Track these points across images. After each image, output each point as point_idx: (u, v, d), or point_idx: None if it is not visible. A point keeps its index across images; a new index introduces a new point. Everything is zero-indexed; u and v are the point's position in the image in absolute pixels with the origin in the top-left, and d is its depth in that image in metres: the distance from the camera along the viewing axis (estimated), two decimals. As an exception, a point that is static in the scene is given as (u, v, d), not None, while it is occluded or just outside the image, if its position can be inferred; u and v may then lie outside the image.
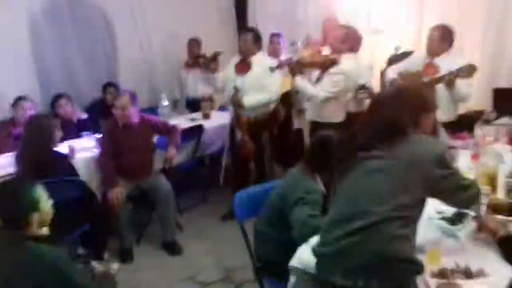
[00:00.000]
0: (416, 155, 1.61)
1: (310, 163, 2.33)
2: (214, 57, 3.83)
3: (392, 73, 3.58)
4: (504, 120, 3.12)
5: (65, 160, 3.21)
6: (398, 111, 1.70)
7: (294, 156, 4.66)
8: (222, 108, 5.20)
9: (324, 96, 3.48)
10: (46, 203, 1.87)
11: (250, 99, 3.66)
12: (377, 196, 1.59)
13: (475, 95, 3.57)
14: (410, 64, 3.58)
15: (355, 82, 3.70)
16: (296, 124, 5.00)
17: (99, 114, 4.49)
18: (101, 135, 3.60)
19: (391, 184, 1.60)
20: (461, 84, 3.16)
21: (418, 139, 1.68)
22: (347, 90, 3.62)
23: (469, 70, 3.03)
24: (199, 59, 4.07)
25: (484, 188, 2.10)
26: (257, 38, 3.75)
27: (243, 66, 3.75)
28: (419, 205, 1.63)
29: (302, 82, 3.57)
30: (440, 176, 1.61)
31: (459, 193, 1.69)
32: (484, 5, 4.18)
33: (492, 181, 2.19)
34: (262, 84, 3.66)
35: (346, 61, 3.51)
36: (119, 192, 3.32)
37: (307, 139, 4.71)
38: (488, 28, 4.20)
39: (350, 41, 3.60)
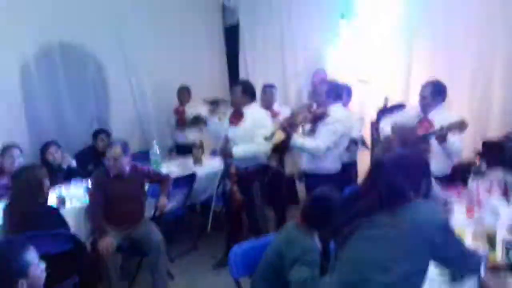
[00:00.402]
0: (418, 222, 1.62)
1: (308, 220, 2.31)
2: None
3: (386, 127, 3.62)
4: (497, 172, 3.14)
5: (54, 212, 3.13)
6: (400, 178, 1.71)
7: (286, 202, 4.73)
8: (213, 153, 5.21)
9: (326, 146, 3.49)
10: (37, 269, 1.78)
11: (238, 150, 3.67)
12: (379, 264, 1.58)
13: (465, 147, 3.61)
14: (404, 118, 3.63)
15: (350, 128, 3.74)
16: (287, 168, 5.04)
17: (89, 161, 4.47)
18: (91, 184, 3.54)
19: (393, 252, 1.60)
20: (453, 139, 3.20)
21: (419, 205, 1.69)
22: (346, 135, 3.65)
23: (460, 126, 3.07)
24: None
25: (483, 248, 2.10)
26: (246, 90, 3.77)
27: (236, 117, 3.78)
28: (422, 272, 1.62)
29: (300, 140, 3.56)
30: (442, 244, 1.60)
31: (462, 261, 1.69)
32: (472, 59, 4.30)
33: (490, 240, 2.18)
34: (252, 136, 3.65)
35: (336, 110, 3.56)
36: (109, 243, 3.24)
37: (298, 185, 4.75)
38: (475, 82, 4.31)
39: (334, 94, 3.65)
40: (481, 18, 4.23)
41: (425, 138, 3.30)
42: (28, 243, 1.82)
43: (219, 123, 3.93)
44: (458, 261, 1.69)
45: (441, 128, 3.13)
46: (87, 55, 4.95)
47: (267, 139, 3.52)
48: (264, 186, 3.77)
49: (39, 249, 1.83)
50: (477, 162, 3.58)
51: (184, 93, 5.43)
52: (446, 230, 1.64)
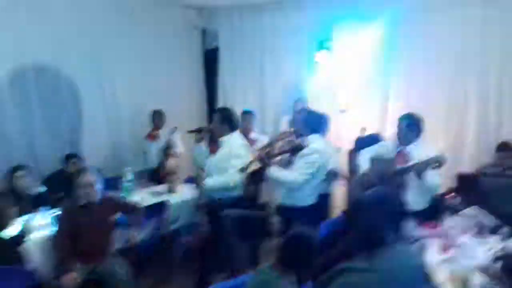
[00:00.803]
0: (397, 266, 1.59)
1: (283, 262, 2.23)
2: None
3: (364, 160, 3.61)
4: (471, 211, 3.15)
5: (13, 247, 2.98)
6: (380, 219, 1.69)
7: (259, 235, 4.64)
8: (188, 180, 5.12)
9: (304, 179, 3.42)
10: None
11: (210, 181, 3.60)
12: None
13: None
14: (383, 151, 3.63)
15: (328, 160, 3.70)
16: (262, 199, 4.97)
17: (59, 186, 4.30)
18: (60, 214, 3.39)
19: None
20: (430, 173, 3.20)
21: (397, 248, 1.66)
22: (324, 167, 3.59)
23: (439, 161, 3.08)
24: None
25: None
26: (224, 119, 3.69)
27: (214, 147, 3.71)
28: None
29: (277, 172, 3.50)
30: None
31: None
32: (445, 94, 4.37)
33: (464, 285, 2.15)
34: (226, 167, 3.57)
35: (314, 140, 3.52)
36: (73, 279, 3.11)
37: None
38: (450, 117, 4.38)
39: (313, 124, 3.62)
40: (456, 55, 4.33)
41: (402, 172, 3.30)
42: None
43: (205, 151, 3.85)
44: None
45: (421, 162, 3.13)
46: (62, 78, 4.82)
47: (242, 170, 3.45)
48: (237, 219, 3.69)
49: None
50: (452, 198, 3.62)
51: (158, 117, 5.34)
52: (424, 275, 1.61)
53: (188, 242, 4.25)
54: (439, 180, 3.33)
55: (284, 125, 4.92)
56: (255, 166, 3.66)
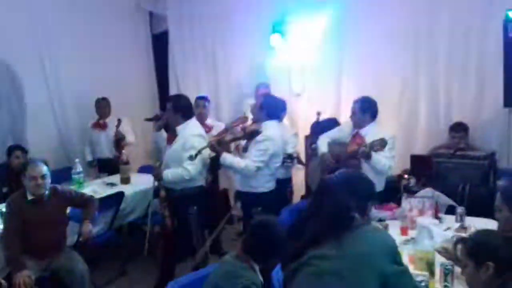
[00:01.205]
0: (367, 250, 1.57)
1: (248, 251, 2.19)
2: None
3: (323, 144, 3.61)
4: (428, 191, 3.23)
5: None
6: (347, 199, 1.67)
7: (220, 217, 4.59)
8: (142, 169, 4.97)
9: (256, 166, 3.39)
10: None
11: (167, 174, 3.48)
12: None
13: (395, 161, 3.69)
14: (340, 134, 3.65)
15: (283, 147, 3.67)
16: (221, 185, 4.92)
17: (2, 181, 4.07)
18: (7, 209, 3.18)
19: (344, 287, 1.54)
20: (378, 157, 3.26)
21: (366, 231, 1.64)
22: (277, 155, 3.56)
23: (381, 144, 3.15)
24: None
25: (422, 275, 2.10)
26: (177, 108, 3.53)
27: (170, 137, 3.59)
28: None
29: (229, 159, 3.45)
30: (393, 273, 1.56)
31: None
32: (397, 76, 4.46)
33: (429, 267, 2.19)
34: (180, 159, 3.45)
35: (269, 127, 3.49)
36: (26, 277, 2.93)
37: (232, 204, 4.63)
38: (402, 100, 4.47)
39: (268, 109, 3.57)
40: (407, 40, 4.40)
41: (353, 156, 3.34)
42: None
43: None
44: None
45: (365, 146, 3.20)
46: (1, 65, 4.49)
47: (192, 158, 3.34)
48: (202, 209, 3.60)
49: None
50: (405, 179, 3.70)
51: (103, 106, 5.12)
52: (396, 257, 1.60)
53: (151, 234, 4.11)
54: (388, 162, 3.36)
55: (247, 108, 4.81)
56: (207, 152, 3.58)
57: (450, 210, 3.16)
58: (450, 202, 3.23)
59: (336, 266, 1.57)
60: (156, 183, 3.65)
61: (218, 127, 4.36)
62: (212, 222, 4.51)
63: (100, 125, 5.13)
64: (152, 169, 3.80)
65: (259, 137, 3.42)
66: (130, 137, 5.07)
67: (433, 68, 4.32)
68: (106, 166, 5.07)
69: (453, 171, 3.60)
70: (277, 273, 2.26)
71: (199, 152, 3.35)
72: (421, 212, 2.99)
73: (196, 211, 3.24)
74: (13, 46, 4.54)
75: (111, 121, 5.08)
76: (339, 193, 1.70)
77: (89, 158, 5.20)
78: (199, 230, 3.48)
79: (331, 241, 1.61)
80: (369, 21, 4.53)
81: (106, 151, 5.12)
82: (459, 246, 1.79)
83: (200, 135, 3.56)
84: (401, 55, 4.43)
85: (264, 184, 3.54)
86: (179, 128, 3.53)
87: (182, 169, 3.42)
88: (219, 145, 3.49)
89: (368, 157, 3.25)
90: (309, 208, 1.81)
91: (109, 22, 5.56)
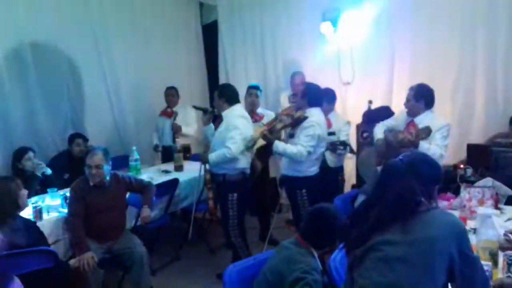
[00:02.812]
0: (435, 234, 1.54)
1: (307, 237, 2.22)
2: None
3: (379, 131, 3.58)
4: (487, 181, 3.14)
5: (31, 226, 2.95)
6: (412, 183, 1.64)
7: (270, 210, 4.66)
8: (194, 157, 5.07)
9: (307, 151, 3.44)
10: None
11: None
12: None
13: (450, 150, 3.61)
14: (396, 122, 3.60)
15: (326, 132, 3.70)
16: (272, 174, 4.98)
17: (64, 168, 4.26)
18: (71, 195, 3.35)
19: (412, 275, 1.53)
20: (426, 145, 3.20)
21: (433, 214, 1.61)
22: (323, 139, 3.60)
23: (425, 132, 3.13)
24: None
25: (485, 264, 2.06)
26: (222, 94, 3.64)
27: (217, 123, 3.70)
28: None
29: (282, 146, 3.52)
30: (463, 260, 1.52)
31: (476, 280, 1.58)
32: (453, 64, 4.32)
33: (492, 256, 2.15)
34: (224, 140, 3.53)
35: (313, 113, 3.53)
36: (90, 259, 3.08)
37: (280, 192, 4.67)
38: (458, 88, 4.34)
39: (311, 97, 3.58)
40: (463, 26, 4.25)
41: (403, 144, 3.28)
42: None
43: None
44: (473, 280, 1.57)
45: (412, 134, 3.18)
46: (61, 56, 4.67)
47: (248, 148, 3.48)
48: (243, 196, 3.67)
49: (18, 269, 1.68)
50: (461, 169, 3.61)
51: (171, 94, 5.20)
52: (465, 241, 1.56)
53: (198, 219, 4.23)
54: (439, 150, 3.23)
55: (284, 100, 4.85)
56: (260, 142, 3.66)
57: (510, 201, 3.07)
58: (510, 192, 3.13)
59: (403, 251, 1.55)
60: (203, 169, 3.75)
61: (269, 116, 4.39)
62: (261, 213, 4.64)
63: (167, 113, 5.21)
64: (199, 156, 3.90)
65: (305, 123, 3.48)
66: (187, 129, 5.12)
67: (491, 53, 4.16)
68: (166, 154, 5.18)
69: (512, 160, 3.48)
70: (334, 261, 2.30)
71: (255, 142, 3.48)
72: (481, 202, 2.92)
73: (236, 198, 3.32)
74: (71, 37, 4.71)
75: (179, 109, 5.16)
76: (405, 176, 1.66)
77: (155, 141, 5.29)
78: (236, 217, 3.59)
79: (397, 226, 1.59)
80: (421, 7, 4.42)
81: (169, 139, 5.20)
82: None
83: (243, 116, 3.65)
84: (456, 41, 4.29)
85: (309, 168, 3.60)
86: (224, 113, 3.63)
87: (224, 148, 3.50)
88: (271, 133, 3.57)
89: (415, 145, 3.20)
90: (373, 192, 1.78)
91: (162, 13, 5.71)
